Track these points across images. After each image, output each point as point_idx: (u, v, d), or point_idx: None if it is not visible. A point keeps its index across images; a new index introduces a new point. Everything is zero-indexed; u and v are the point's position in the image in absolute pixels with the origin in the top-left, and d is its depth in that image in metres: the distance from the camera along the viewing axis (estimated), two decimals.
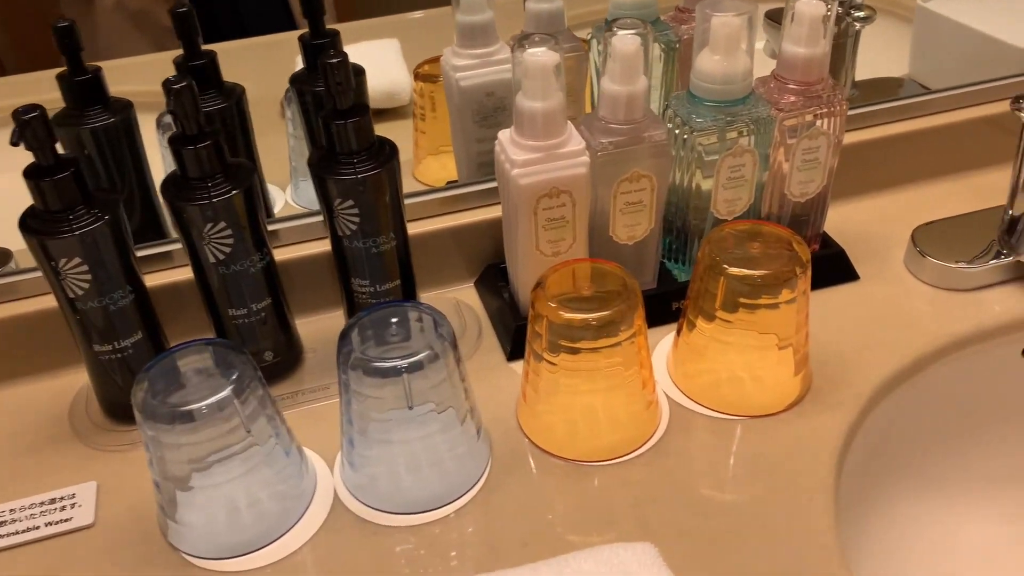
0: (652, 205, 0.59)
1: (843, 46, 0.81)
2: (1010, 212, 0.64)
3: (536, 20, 0.67)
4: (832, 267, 0.66)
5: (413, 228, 0.67)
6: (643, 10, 0.68)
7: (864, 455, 0.59)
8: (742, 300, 0.53)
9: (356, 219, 0.55)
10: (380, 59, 0.81)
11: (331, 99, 0.53)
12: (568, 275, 0.54)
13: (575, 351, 0.50)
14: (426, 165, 0.76)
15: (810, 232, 0.66)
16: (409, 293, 0.60)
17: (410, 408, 0.48)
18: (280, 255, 0.62)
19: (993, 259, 0.65)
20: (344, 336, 0.49)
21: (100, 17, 0.70)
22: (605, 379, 0.52)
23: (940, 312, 0.64)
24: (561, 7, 0.67)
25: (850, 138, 0.73)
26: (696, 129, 0.58)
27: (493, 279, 0.67)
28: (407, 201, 0.65)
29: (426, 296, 0.67)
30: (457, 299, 0.67)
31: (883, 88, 0.90)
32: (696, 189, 0.61)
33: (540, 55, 0.53)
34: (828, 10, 0.57)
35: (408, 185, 0.62)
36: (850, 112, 0.75)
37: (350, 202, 0.54)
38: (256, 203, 0.55)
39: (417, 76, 0.74)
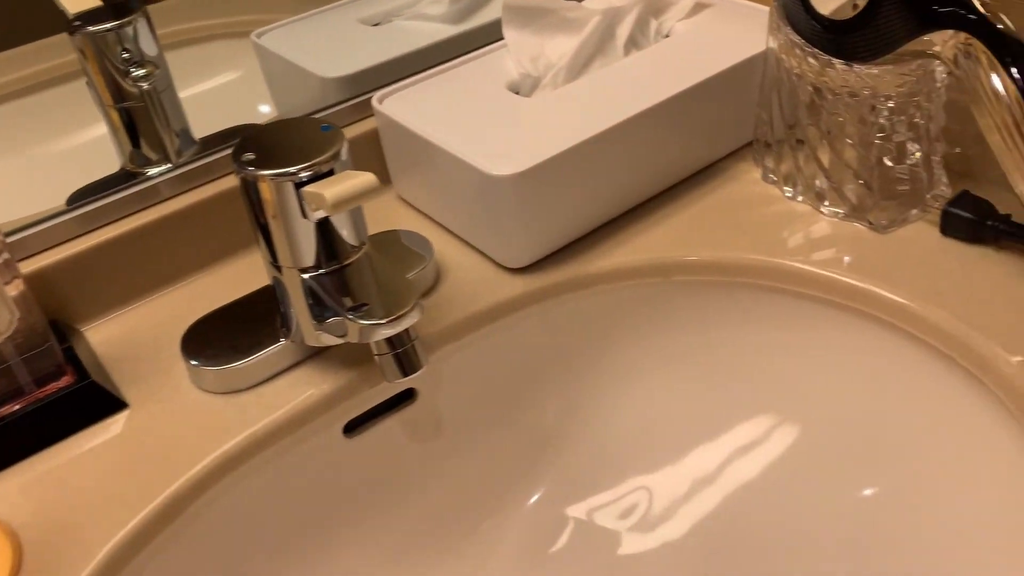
0: None
1: (144, 111, 0.68)
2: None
3: None
4: (83, 404, 0.52)
5: None
6: None
7: None
8: None
9: None
10: None
11: None
12: None
13: None
14: None
15: (49, 364, 0.52)
16: None
17: None
18: None
19: (278, 343, 0.55)
20: None
21: None
22: None
23: (223, 423, 0.52)
24: None
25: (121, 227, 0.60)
26: None
27: None
28: None
29: None
30: None
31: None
32: None
33: None
34: None
35: None
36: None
37: None
38: None
39: None
